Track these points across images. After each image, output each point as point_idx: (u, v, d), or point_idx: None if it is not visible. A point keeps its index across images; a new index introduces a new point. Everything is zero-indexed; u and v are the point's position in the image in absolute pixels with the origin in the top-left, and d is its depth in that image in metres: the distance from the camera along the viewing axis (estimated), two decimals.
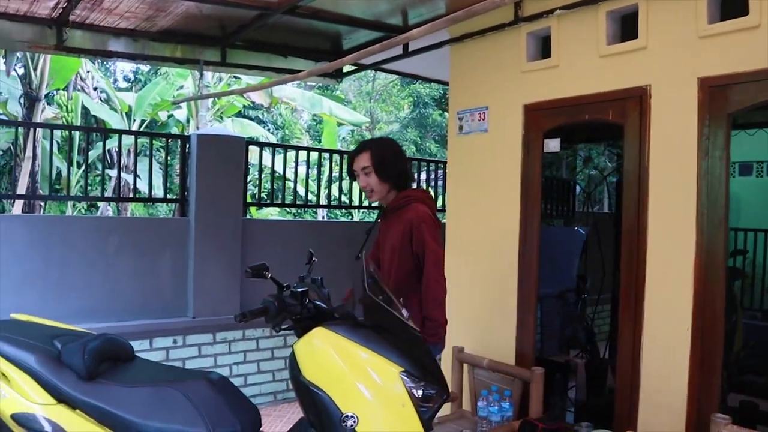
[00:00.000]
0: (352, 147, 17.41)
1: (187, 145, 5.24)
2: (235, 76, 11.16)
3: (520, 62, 3.66)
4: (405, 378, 2.12)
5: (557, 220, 6.17)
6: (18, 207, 8.33)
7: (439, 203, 7.17)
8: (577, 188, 6.27)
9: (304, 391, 2.18)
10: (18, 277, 4.38)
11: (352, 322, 2.27)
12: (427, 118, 21.02)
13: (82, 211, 11.43)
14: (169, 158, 5.30)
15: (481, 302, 3.89)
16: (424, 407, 2.13)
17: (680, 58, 2.89)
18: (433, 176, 7.19)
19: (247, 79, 10.47)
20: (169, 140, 5.87)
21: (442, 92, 19.74)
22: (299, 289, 2.34)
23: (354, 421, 2.06)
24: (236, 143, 5.38)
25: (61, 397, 2.33)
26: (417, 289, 2.84)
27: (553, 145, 3.58)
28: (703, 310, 2.77)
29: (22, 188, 7.85)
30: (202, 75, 5.23)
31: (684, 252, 2.82)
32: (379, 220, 3.13)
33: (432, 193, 7.43)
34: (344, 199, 6.60)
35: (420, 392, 2.14)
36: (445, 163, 6.63)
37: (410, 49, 4.50)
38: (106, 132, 6.24)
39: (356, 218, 12.63)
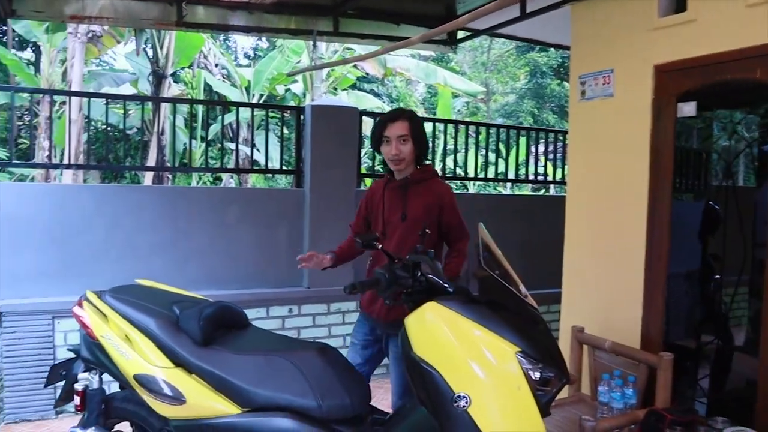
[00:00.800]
0: (468, 119, 17.03)
1: (302, 117, 5.29)
2: (347, 48, 11.21)
3: (650, 18, 3.33)
4: (522, 359, 1.98)
5: (687, 194, 5.69)
6: (149, 179, 8.88)
7: (559, 175, 6.85)
8: (710, 159, 5.73)
9: (414, 368, 2.10)
10: (146, 245, 4.63)
11: (465, 298, 2.15)
12: (544, 88, 20.24)
13: (207, 183, 12.02)
14: (287, 131, 5.38)
15: (604, 279, 3.64)
16: (541, 391, 1.99)
17: None
18: (551, 147, 6.85)
19: (360, 50, 10.49)
20: (285, 112, 5.95)
21: (560, 60, 18.92)
22: (412, 261, 2.26)
23: (466, 402, 1.95)
24: (350, 114, 5.36)
25: (178, 361, 2.40)
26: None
27: (687, 109, 3.24)
28: None
29: (152, 161, 8.34)
30: (315, 46, 5.24)
31: None
32: (383, 191, 3.09)
33: (551, 166, 7.11)
34: (459, 171, 6.44)
35: (537, 375, 1.99)
36: (564, 132, 6.30)
37: (528, 11, 4.24)
38: (225, 105, 6.45)
39: (471, 191, 12.40)
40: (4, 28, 12.18)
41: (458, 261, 2.99)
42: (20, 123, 12.41)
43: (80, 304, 2.71)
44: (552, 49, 18.90)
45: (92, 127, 12.45)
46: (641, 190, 3.40)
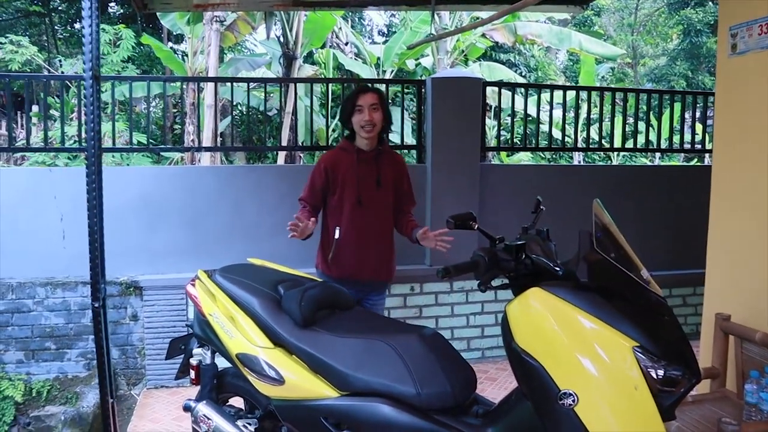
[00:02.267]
0: (614, 85, 15.96)
1: (423, 90, 5.14)
2: (475, 17, 10.84)
3: None
4: (639, 355, 1.72)
5: None
6: (281, 158, 9.19)
7: (707, 144, 6.16)
8: None
9: (517, 360, 1.91)
10: (270, 225, 4.73)
11: (575, 283, 1.91)
12: (699, 48, 18.49)
13: None
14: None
15: (756, 261, 3.16)
16: (665, 391, 1.72)
17: None
18: (708, 113, 6.15)
19: (484, 16, 10.09)
20: (406, 86, 5.82)
21: (717, 16, 17.15)
22: (516, 242, 2.05)
23: (573, 400, 1.74)
24: (472, 85, 5.12)
25: (278, 342, 2.38)
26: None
27: None
28: None
29: (284, 141, 8.59)
30: (433, 15, 5.04)
31: None
32: (356, 162, 3.28)
33: (707, 134, 6.43)
34: (605, 142, 5.98)
35: (660, 373, 1.72)
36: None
37: None
38: (343, 81, 6.43)
39: (615, 162, 11.64)
40: (159, 23, 13.10)
41: (413, 220, 3.43)
42: (175, 111, 13.34)
43: (193, 283, 2.79)
44: (709, 2, 17.21)
45: (237, 111, 13.24)
46: None
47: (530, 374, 1.85)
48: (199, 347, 2.79)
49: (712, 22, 17.73)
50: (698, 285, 4.96)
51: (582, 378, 1.76)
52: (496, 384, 4.40)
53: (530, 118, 6.38)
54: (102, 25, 12.35)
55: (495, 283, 2.06)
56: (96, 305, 3.20)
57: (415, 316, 4.92)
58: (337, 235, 3.30)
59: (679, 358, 1.77)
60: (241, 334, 2.44)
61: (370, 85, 3.71)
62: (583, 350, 1.78)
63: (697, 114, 5.85)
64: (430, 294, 4.98)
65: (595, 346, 1.77)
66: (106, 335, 3.32)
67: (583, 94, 5.43)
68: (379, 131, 3.31)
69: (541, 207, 2.49)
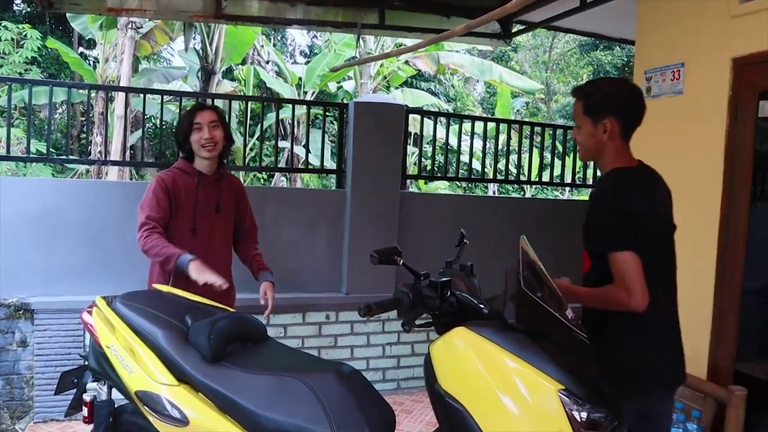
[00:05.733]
0: (528, 119, 16.49)
1: (345, 114, 5.06)
2: (399, 44, 10.98)
3: (728, 5, 2.95)
4: (565, 398, 1.68)
5: (762, 202, 5.20)
6: None
7: None
8: None
9: (440, 402, 1.83)
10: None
11: (501, 323, 1.86)
12: None
13: (261, 181, 11.97)
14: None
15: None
16: None
17: None
18: None
19: (410, 44, 10.23)
20: (328, 109, 5.74)
21: (626, 59, 18.18)
22: (441, 279, 1.98)
23: None
24: (396, 111, 5.08)
25: (184, 378, 2.20)
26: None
27: None
28: None
29: None
30: (359, 39, 5.02)
31: None
32: (197, 186, 3.07)
33: None
34: (522, 176, 6.06)
35: (584, 416, 1.69)
36: None
37: (588, 0, 3.89)
38: (264, 101, 6.27)
39: (528, 194, 11.97)
40: (70, 26, 12.46)
41: (259, 255, 3.29)
42: (82, 119, 12.68)
43: (90, 310, 2.55)
44: (617, 47, 18.21)
45: (150, 124, 12.73)
46: (713, 198, 3.03)
47: (453, 417, 1.78)
48: (94, 381, 2.54)
49: (619, 65, 18.78)
50: None
51: (507, 421, 1.70)
52: (411, 416, 4.31)
53: (450, 148, 6.44)
54: (4, 23, 11.69)
55: (417, 321, 1.98)
56: None
57: (330, 345, 4.78)
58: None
59: (602, 399, 1.74)
60: (142, 369, 2.23)
61: (197, 101, 3.49)
62: (508, 393, 1.72)
63: None
64: (345, 323, 4.86)
65: (520, 388, 1.71)
66: None
67: (502, 126, 5.51)
68: (219, 152, 3.11)
69: (465, 240, 2.44)
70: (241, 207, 3.27)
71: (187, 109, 3.20)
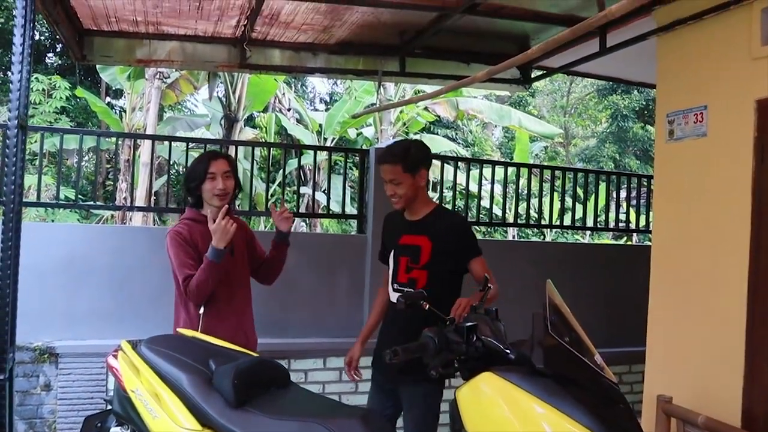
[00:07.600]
0: (546, 163, 16.50)
1: (366, 159, 5.11)
2: (418, 91, 11.14)
3: (750, 47, 2.95)
4: None
5: None
6: None
7: (642, 223, 6.38)
8: None
9: None
10: None
11: (528, 368, 1.83)
12: (626, 132, 19.56)
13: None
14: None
15: (698, 342, 3.19)
16: None
17: None
18: (634, 193, 6.38)
19: (429, 90, 10.37)
20: (349, 155, 5.81)
21: (644, 103, 18.24)
22: (466, 324, 1.96)
23: None
24: None
25: (208, 423, 2.18)
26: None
27: None
28: None
29: None
30: (379, 86, 5.10)
31: None
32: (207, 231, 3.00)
33: (633, 212, 6.64)
34: (543, 220, 6.06)
35: None
36: (648, 177, 5.86)
37: (608, 45, 3.93)
38: (286, 147, 6.40)
39: (548, 238, 11.88)
40: (98, 77, 12.86)
41: None
42: (108, 166, 12.97)
43: (115, 354, 2.56)
44: (635, 91, 18.31)
45: (174, 171, 12.93)
46: (741, 240, 2.97)
47: None
48: (117, 426, 2.53)
49: (637, 108, 18.83)
50: (633, 363, 4.99)
51: None
52: None
53: (470, 193, 6.46)
54: (36, 75, 12.08)
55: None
56: (0, 377, 2.88)
57: (351, 391, 4.70)
58: (201, 310, 3.00)
59: None
60: (167, 415, 2.22)
61: (220, 149, 3.52)
62: None
63: (623, 194, 6.07)
64: (366, 368, 4.79)
65: None
66: (10, 410, 2.99)
67: (522, 171, 5.53)
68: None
69: (489, 285, 2.43)
70: (251, 245, 3.32)
71: (199, 156, 3.21)
